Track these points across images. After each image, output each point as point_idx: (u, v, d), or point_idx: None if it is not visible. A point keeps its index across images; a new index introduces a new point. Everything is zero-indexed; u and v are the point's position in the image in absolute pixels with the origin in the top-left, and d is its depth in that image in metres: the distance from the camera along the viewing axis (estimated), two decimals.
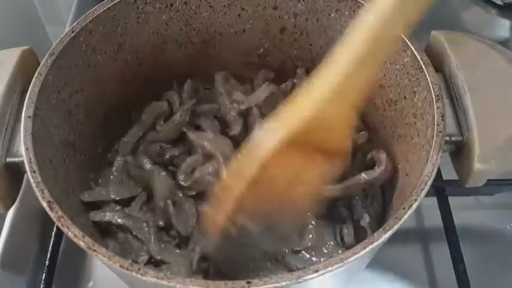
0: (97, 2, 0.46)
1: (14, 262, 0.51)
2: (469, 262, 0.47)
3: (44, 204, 0.36)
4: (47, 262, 0.48)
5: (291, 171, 0.34)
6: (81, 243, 0.34)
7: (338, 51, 0.33)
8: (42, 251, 0.50)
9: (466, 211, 0.54)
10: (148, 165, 0.49)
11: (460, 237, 0.49)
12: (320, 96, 0.33)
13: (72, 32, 0.45)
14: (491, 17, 0.75)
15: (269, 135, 0.33)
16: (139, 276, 0.32)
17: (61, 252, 0.50)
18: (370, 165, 0.46)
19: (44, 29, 0.81)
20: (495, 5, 0.75)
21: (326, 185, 0.39)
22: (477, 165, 0.40)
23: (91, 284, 0.50)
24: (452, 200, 0.51)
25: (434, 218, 0.51)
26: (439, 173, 0.51)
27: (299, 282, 0.32)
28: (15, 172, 0.41)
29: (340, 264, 0.32)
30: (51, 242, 0.50)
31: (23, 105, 0.40)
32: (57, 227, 0.50)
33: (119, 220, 0.45)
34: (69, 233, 0.34)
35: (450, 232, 0.49)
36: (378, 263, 0.50)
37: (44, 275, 0.47)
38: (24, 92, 0.43)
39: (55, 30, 0.80)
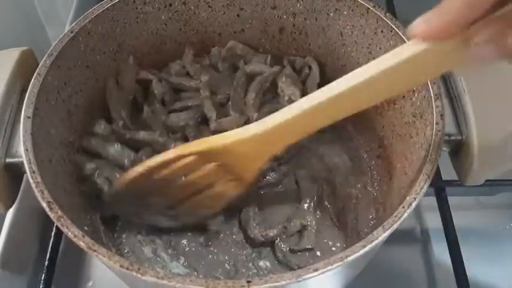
0: (96, 3, 0.46)
1: (14, 262, 0.51)
2: (469, 262, 0.47)
3: (44, 205, 0.36)
4: (47, 262, 0.48)
5: (204, 179, 0.42)
6: (81, 244, 0.34)
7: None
8: (42, 251, 0.51)
9: (465, 211, 0.54)
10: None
11: (460, 237, 0.49)
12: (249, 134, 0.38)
13: (71, 32, 0.45)
14: None
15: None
16: (139, 275, 0.32)
17: (60, 252, 0.50)
18: None
19: (43, 29, 0.81)
20: None
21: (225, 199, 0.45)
22: (476, 164, 0.40)
23: (90, 283, 0.50)
24: (452, 200, 0.51)
25: (434, 218, 0.51)
26: (438, 173, 0.52)
27: (299, 281, 0.32)
28: (15, 172, 0.42)
29: (340, 263, 0.32)
30: (51, 242, 0.49)
31: (22, 106, 0.40)
32: (57, 227, 0.50)
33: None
34: (69, 233, 0.34)
35: (450, 232, 0.49)
36: (378, 263, 0.50)
37: (43, 275, 0.47)
38: (23, 92, 0.43)
39: (54, 31, 0.79)
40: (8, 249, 0.50)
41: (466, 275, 0.46)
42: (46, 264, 0.48)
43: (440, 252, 0.50)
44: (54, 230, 0.50)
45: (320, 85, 0.51)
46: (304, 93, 0.51)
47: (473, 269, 0.48)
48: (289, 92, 0.50)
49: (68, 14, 0.72)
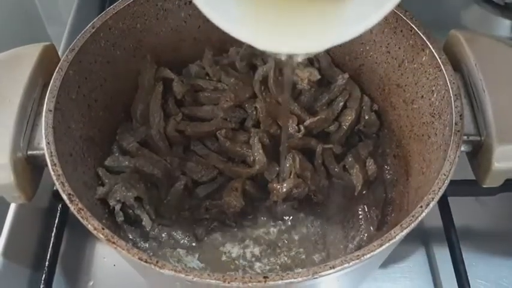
0: (97, 1, 0.47)
1: (14, 262, 0.51)
2: (469, 262, 0.47)
3: (64, 197, 0.36)
4: (47, 263, 0.48)
5: None
6: (101, 236, 0.34)
7: None
8: (42, 252, 0.51)
9: (466, 211, 0.53)
10: None
11: (461, 237, 0.49)
12: None
13: (93, 27, 0.45)
14: (491, 17, 0.74)
15: None
16: (157, 269, 0.32)
17: (61, 252, 0.50)
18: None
19: (44, 28, 0.81)
20: (495, 5, 0.74)
21: None
22: (496, 165, 0.40)
23: (91, 283, 0.50)
24: (453, 200, 0.51)
25: (434, 219, 0.51)
26: None
27: (315, 278, 0.32)
28: (36, 165, 0.42)
29: (357, 261, 0.32)
30: (51, 242, 0.50)
31: (44, 100, 0.41)
32: (57, 228, 0.51)
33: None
34: (89, 225, 0.35)
35: (450, 232, 0.49)
36: None
37: (44, 275, 0.48)
38: (45, 86, 0.44)
39: (55, 30, 0.79)
40: (9, 249, 0.50)
41: (466, 275, 0.46)
42: (46, 265, 0.48)
43: (441, 252, 0.50)
44: (54, 231, 0.50)
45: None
46: (321, 73, 0.50)
47: (473, 269, 0.48)
48: (307, 74, 0.49)
49: (69, 13, 0.72)
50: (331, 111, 0.51)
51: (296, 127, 0.50)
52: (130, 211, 0.47)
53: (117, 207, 0.46)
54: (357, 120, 0.52)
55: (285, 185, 0.47)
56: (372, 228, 0.47)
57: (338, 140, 0.51)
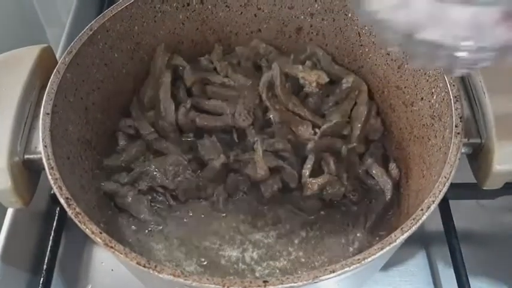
0: (96, 3, 0.47)
1: (12, 266, 0.50)
2: (470, 265, 0.47)
3: (62, 201, 0.36)
4: (45, 266, 0.48)
5: None
6: (99, 240, 0.34)
7: None
8: (40, 256, 0.50)
9: (466, 214, 0.53)
10: None
11: (461, 240, 0.48)
12: None
13: (90, 30, 0.45)
14: None
15: None
16: (155, 273, 0.32)
17: (59, 256, 0.50)
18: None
19: (43, 30, 0.81)
20: None
21: None
22: (496, 167, 0.40)
23: (89, 287, 0.50)
24: (453, 203, 0.51)
25: (435, 221, 0.50)
26: None
27: (315, 282, 0.32)
28: (33, 169, 0.42)
29: (358, 264, 0.32)
30: (49, 246, 0.49)
31: (41, 103, 0.41)
32: (55, 231, 0.50)
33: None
34: (87, 229, 0.35)
35: (451, 235, 0.49)
36: None
37: (42, 279, 0.47)
38: (42, 89, 0.43)
39: (54, 32, 0.79)
40: (7, 254, 0.50)
41: (467, 278, 0.46)
42: (44, 269, 0.48)
43: (442, 255, 0.50)
44: (52, 235, 0.50)
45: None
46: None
47: (474, 272, 0.47)
48: (315, 77, 0.49)
49: (68, 14, 0.71)
50: (343, 112, 0.50)
51: (312, 131, 0.49)
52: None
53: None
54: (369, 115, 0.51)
55: (319, 179, 0.46)
56: (372, 231, 0.46)
57: (357, 138, 0.50)
